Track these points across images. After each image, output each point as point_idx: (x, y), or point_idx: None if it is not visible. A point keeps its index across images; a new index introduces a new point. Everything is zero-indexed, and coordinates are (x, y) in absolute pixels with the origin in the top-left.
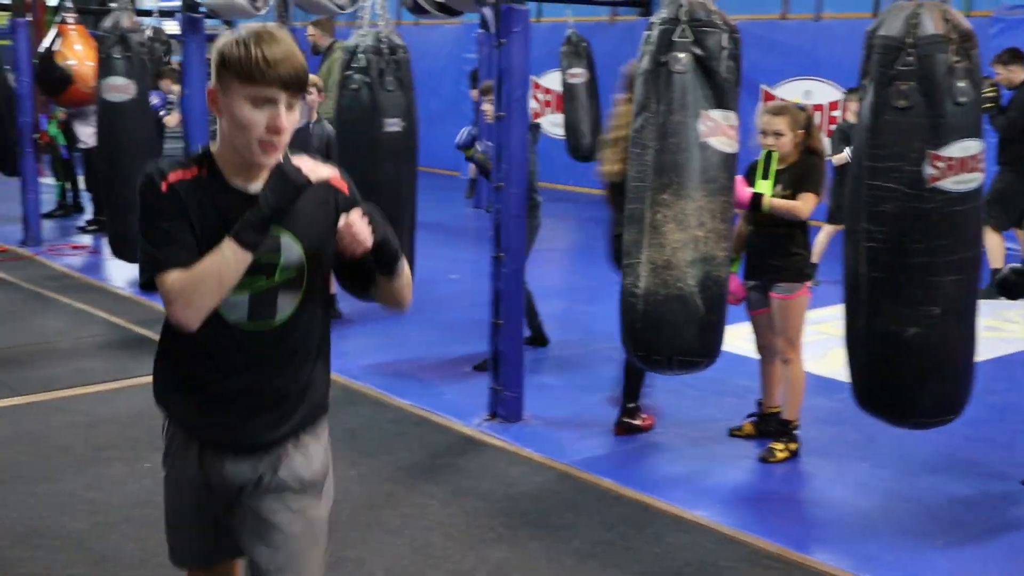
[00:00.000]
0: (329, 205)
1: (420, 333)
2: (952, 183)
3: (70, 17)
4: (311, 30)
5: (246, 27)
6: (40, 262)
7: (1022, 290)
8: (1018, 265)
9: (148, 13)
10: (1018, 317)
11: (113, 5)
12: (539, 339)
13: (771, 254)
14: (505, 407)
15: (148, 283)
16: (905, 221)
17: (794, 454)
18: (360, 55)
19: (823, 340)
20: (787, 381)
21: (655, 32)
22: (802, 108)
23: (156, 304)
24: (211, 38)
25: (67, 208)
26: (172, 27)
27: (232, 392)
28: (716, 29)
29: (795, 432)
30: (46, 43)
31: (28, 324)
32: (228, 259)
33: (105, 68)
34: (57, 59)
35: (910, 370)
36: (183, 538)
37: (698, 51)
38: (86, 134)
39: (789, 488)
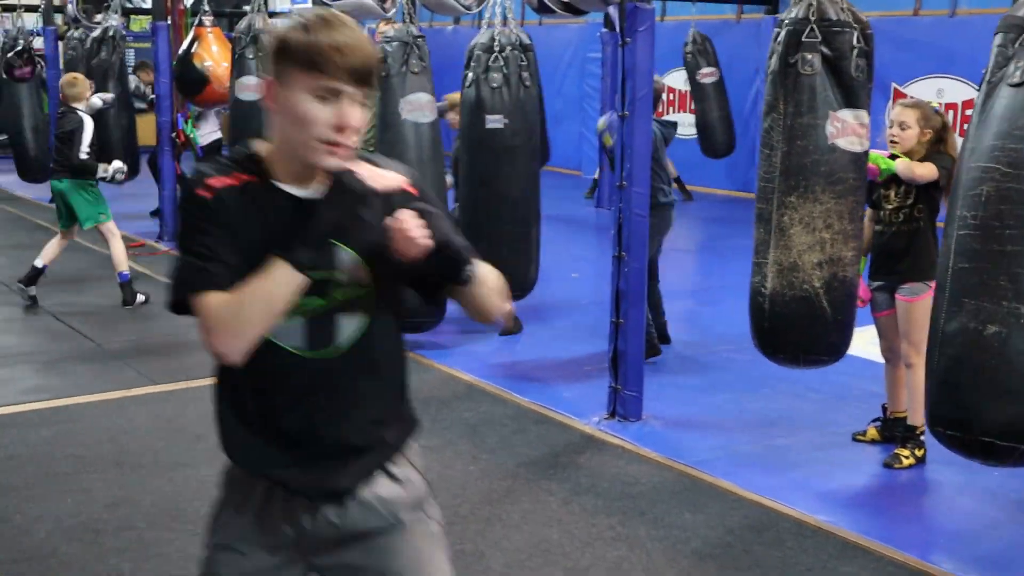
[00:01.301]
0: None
1: (541, 331)
2: None
3: (207, 20)
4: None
5: (308, 10)
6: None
7: None
8: None
9: (283, 16)
10: None
11: (247, 8)
12: (662, 338)
13: (897, 254)
14: (624, 406)
15: (178, 304)
16: (1000, 204)
17: (921, 460)
18: (475, 52)
19: None
20: (912, 386)
21: (783, 32)
22: (938, 112)
23: None
24: None
25: None
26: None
27: (303, 433)
28: (846, 28)
29: (921, 438)
30: (184, 45)
31: (164, 316)
32: (278, 281)
33: (238, 68)
34: (195, 61)
35: (983, 375)
36: None
37: (827, 51)
38: (204, 133)
39: (914, 495)
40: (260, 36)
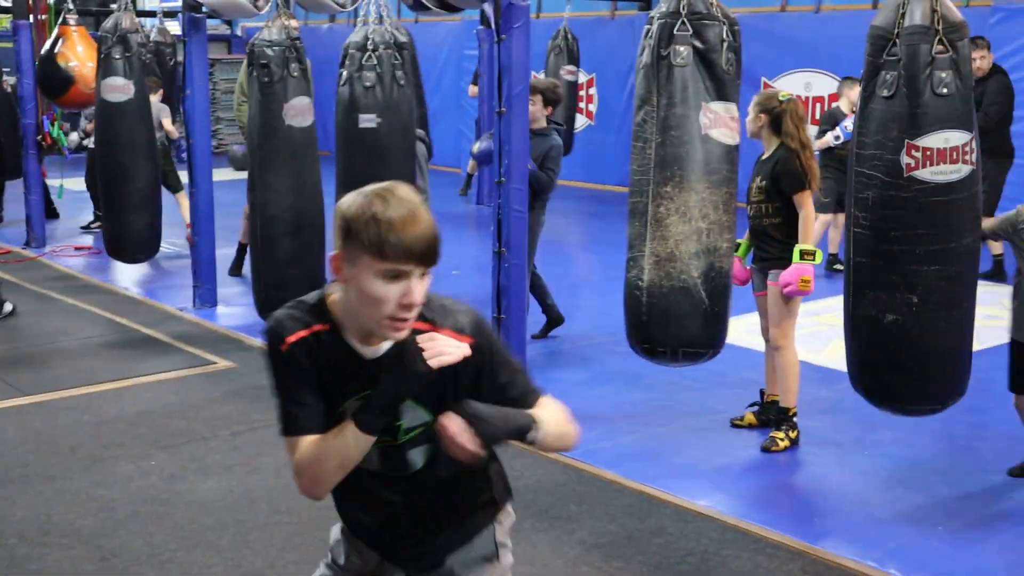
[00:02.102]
0: (450, 368)
1: None
2: (929, 173)
3: (72, 18)
4: None
5: (373, 190)
6: (44, 263)
7: None
8: None
9: (151, 14)
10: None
11: (114, 6)
12: (556, 320)
13: (765, 241)
14: None
15: (286, 434)
16: (884, 209)
17: (795, 443)
18: (349, 51)
19: (824, 331)
20: (780, 368)
21: (655, 26)
22: (783, 101)
23: (160, 304)
24: (212, 38)
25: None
26: (174, 27)
27: (389, 532)
28: (716, 22)
29: (794, 420)
30: (48, 45)
31: (33, 325)
32: (349, 442)
33: (104, 69)
34: (59, 61)
35: (889, 357)
36: None
37: (698, 44)
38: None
39: (791, 477)
40: (128, 36)
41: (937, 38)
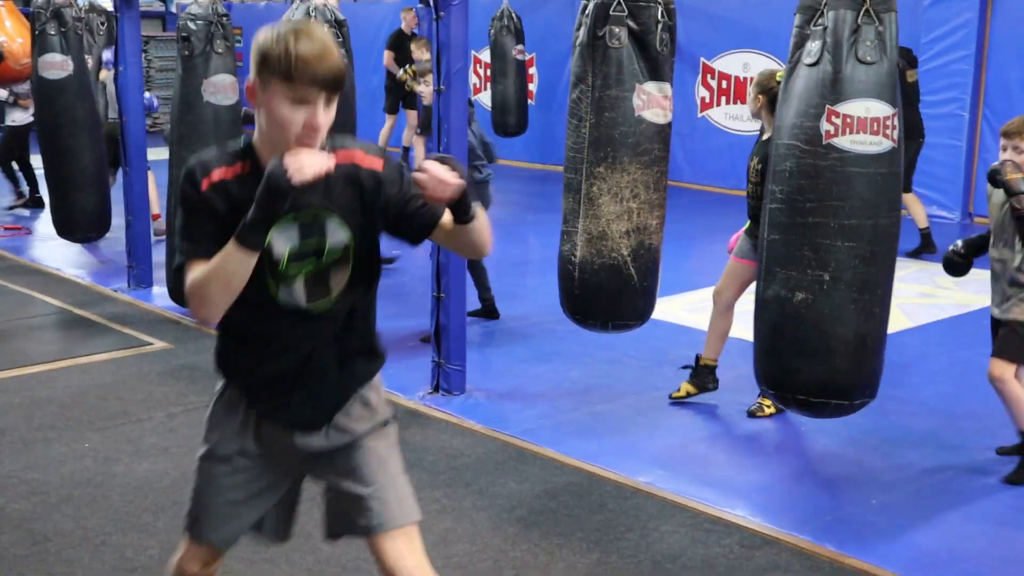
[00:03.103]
0: (359, 183)
1: None
2: (848, 142)
3: None
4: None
5: (285, 24)
6: None
7: (965, 269)
8: (960, 244)
9: None
10: (950, 283)
11: None
12: (490, 312)
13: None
14: (448, 380)
15: (178, 269)
16: (801, 179)
17: (781, 410)
18: None
19: None
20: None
21: (591, 6)
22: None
23: (94, 284)
24: (146, 15)
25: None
26: (106, 2)
27: (296, 372)
28: (651, 3)
29: None
30: None
31: None
32: (232, 258)
33: (40, 45)
34: None
35: (794, 339)
36: (217, 512)
37: (633, 25)
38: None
39: (729, 453)
40: (62, 11)
41: (864, 8)
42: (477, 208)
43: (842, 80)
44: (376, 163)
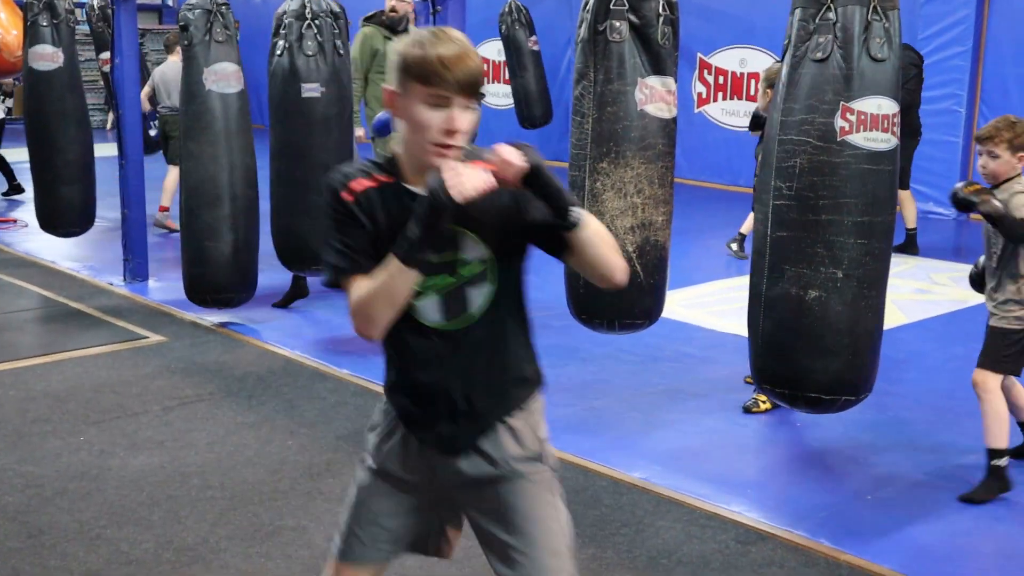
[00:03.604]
0: (503, 192)
1: None
2: (863, 139)
3: None
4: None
5: (425, 28)
6: None
7: (982, 284)
8: (983, 260)
9: None
10: (946, 280)
11: None
12: None
13: None
14: None
15: (334, 285)
16: (813, 175)
17: (776, 405)
18: (285, 20)
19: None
20: None
21: (592, 1)
22: None
23: (90, 277)
24: (143, 7)
25: None
26: None
27: (437, 390)
28: None
29: None
30: None
31: None
32: (395, 276)
33: (31, 36)
34: None
35: (808, 337)
36: (371, 534)
37: (634, 19)
38: None
39: (724, 449)
40: (55, 3)
41: (872, 5)
42: (581, 215)
43: (855, 78)
44: (491, 177)
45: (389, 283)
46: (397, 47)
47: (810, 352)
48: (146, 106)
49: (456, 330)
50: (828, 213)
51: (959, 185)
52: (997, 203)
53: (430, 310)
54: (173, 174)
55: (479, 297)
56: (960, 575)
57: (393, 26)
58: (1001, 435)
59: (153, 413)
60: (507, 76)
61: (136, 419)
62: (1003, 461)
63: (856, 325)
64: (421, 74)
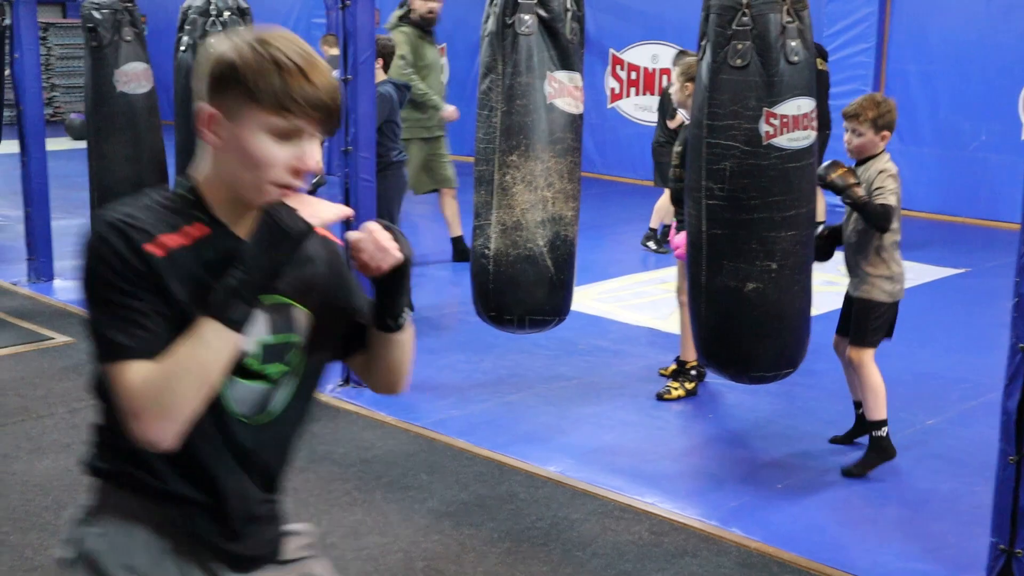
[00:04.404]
0: (325, 255)
1: None
2: (787, 140)
3: None
4: None
5: (256, 32)
6: None
7: (828, 254)
8: (824, 229)
9: None
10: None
11: None
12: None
13: (682, 205)
14: None
15: (102, 364)
16: (743, 178)
17: (691, 393)
18: (190, 15)
19: (670, 298)
20: (681, 323)
21: None
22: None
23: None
24: (43, 1)
25: None
26: None
27: (233, 496)
28: None
29: (692, 372)
30: None
31: None
32: (213, 345)
33: None
34: None
35: (749, 325)
36: None
37: (543, 12)
38: None
39: (637, 442)
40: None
41: (785, 8)
42: (407, 317)
43: (776, 83)
44: (347, 208)
45: (204, 356)
46: (217, 52)
47: (753, 337)
48: None
49: (255, 425)
50: (759, 212)
51: (825, 166)
52: (861, 192)
53: (245, 401)
54: None
55: (286, 391)
56: (864, 558)
57: (426, 27)
58: (880, 407)
59: (59, 415)
60: None
61: (41, 421)
62: (884, 431)
63: (790, 308)
64: (271, 96)
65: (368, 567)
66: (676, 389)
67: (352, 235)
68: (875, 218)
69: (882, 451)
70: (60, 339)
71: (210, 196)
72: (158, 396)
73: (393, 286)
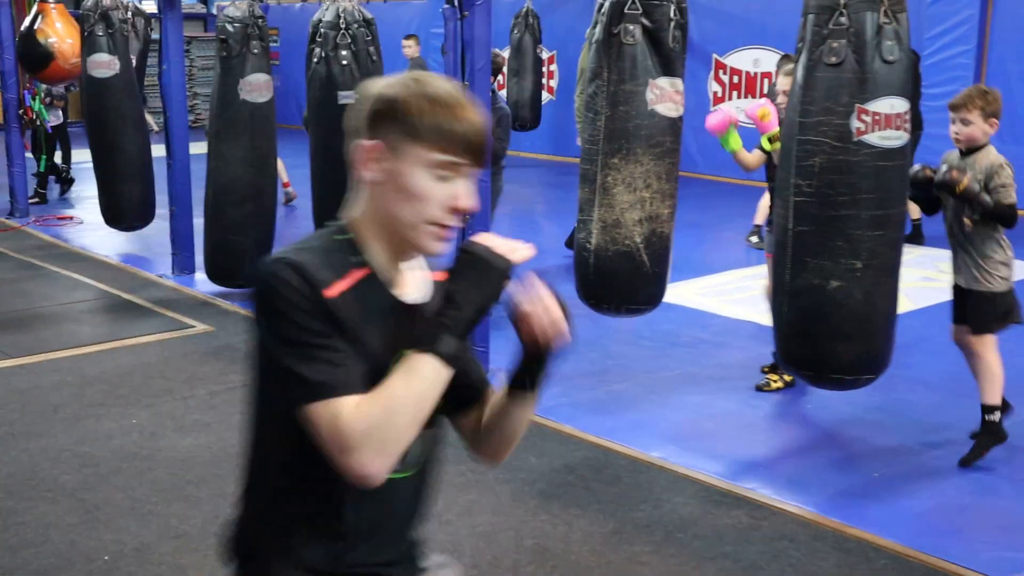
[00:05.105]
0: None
1: None
2: (878, 138)
3: None
4: None
5: (417, 74)
6: (28, 232)
7: (932, 206)
8: (929, 169)
9: None
10: (951, 268)
11: None
12: None
13: None
14: None
15: (295, 406)
16: (832, 174)
17: (790, 384)
18: (321, 29)
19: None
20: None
21: (607, 4)
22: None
23: (141, 271)
24: (188, 16)
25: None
26: (149, 6)
27: (380, 547)
28: (663, 1)
29: None
30: (27, 22)
31: (18, 291)
32: (428, 378)
33: (89, 45)
34: (38, 36)
35: (831, 325)
36: None
37: (647, 22)
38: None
39: (738, 429)
40: (109, 14)
41: (883, 9)
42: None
43: (870, 80)
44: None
45: (419, 390)
46: (381, 90)
47: (833, 337)
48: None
49: (399, 479)
50: (847, 208)
51: (953, 176)
52: (987, 199)
53: (413, 451)
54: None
55: (426, 442)
56: (961, 547)
57: None
58: (995, 391)
59: (200, 397)
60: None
61: (184, 402)
62: (995, 416)
63: (874, 310)
64: (433, 134)
65: (480, 543)
66: (775, 382)
67: (524, 304)
68: (1005, 218)
69: (994, 434)
70: (200, 327)
71: (366, 237)
72: (377, 429)
73: (542, 357)
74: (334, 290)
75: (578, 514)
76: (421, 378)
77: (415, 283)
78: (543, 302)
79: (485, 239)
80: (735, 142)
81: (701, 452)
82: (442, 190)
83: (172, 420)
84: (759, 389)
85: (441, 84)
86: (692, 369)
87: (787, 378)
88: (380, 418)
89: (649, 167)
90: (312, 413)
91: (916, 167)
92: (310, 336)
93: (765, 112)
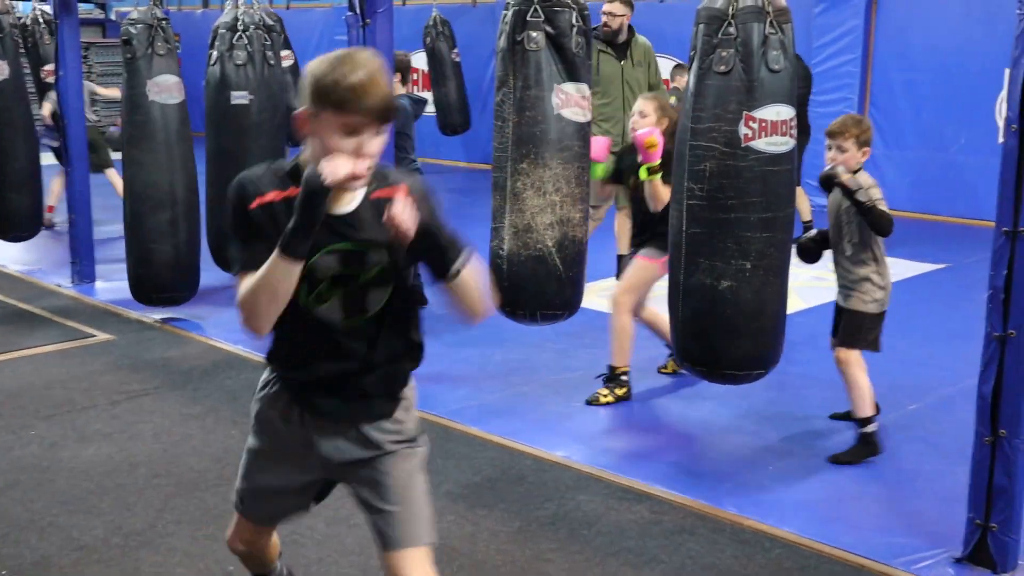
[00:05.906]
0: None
1: None
2: (765, 144)
3: None
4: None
5: (338, 55)
6: None
7: (816, 256)
8: (815, 232)
9: None
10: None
11: None
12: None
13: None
14: None
15: (235, 275)
16: (722, 178)
17: (622, 398)
18: (219, 31)
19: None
20: (610, 329)
21: (510, 12)
22: (674, 106)
23: (38, 280)
24: (86, 22)
25: None
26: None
27: (330, 378)
28: (566, 8)
29: (623, 379)
30: None
31: None
32: (278, 269)
33: None
34: None
35: (722, 323)
36: (257, 495)
37: (549, 29)
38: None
39: (639, 427)
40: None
41: (768, 20)
42: (461, 271)
43: (756, 88)
44: (399, 193)
45: (270, 275)
46: (311, 69)
47: (724, 335)
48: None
49: (347, 327)
50: (736, 211)
51: (838, 171)
52: (877, 194)
53: (329, 312)
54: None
55: (377, 298)
56: (850, 535)
57: (609, 40)
58: (866, 405)
59: (101, 407)
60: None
61: (85, 413)
62: (871, 427)
63: (763, 308)
64: (333, 102)
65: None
66: (605, 396)
67: (389, 212)
68: (882, 222)
69: (868, 446)
70: (101, 336)
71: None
72: (245, 302)
73: (425, 248)
74: (255, 203)
75: (484, 514)
76: (269, 265)
77: (344, 200)
78: (397, 206)
79: (330, 158)
80: (602, 171)
81: (603, 450)
82: (348, 144)
83: (73, 431)
84: (588, 403)
85: (352, 59)
86: (595, 370)
87: (619, 392)
88: (248, 294)
89: (558, 171)
90: (236, 280)
91: (808, 234)
92: (236, 231)
93: (652, 142)
